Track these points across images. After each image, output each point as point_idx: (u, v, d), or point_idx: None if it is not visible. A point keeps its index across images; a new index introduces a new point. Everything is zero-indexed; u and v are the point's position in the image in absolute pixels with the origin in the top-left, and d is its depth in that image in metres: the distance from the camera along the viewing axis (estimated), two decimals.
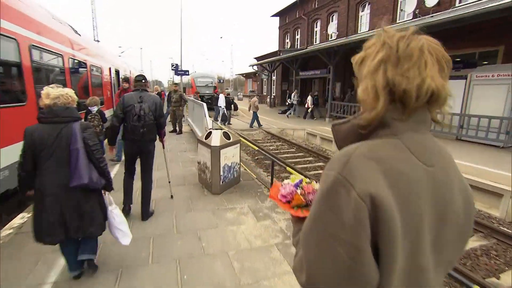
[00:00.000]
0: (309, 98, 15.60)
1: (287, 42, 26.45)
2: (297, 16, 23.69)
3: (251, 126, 13.99)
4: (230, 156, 4.72)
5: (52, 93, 2.16)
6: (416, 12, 12.44)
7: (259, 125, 13.96)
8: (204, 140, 4.62)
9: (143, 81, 3.63)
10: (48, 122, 2.14)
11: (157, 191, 4.45)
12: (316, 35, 22.22)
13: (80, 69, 7.21)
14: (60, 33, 5.89)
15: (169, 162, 5.05)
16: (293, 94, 17.64)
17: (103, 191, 2.43)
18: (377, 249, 0.59)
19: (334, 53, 13.67)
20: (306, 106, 15.67)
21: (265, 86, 28.24)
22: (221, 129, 4.82)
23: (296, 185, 0.96)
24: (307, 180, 0.99)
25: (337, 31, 18.97)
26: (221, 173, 4.52)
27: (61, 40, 5.79)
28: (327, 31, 19.89)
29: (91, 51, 8.39)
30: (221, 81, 32.26)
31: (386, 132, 0.67)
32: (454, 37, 10.38)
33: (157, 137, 3.75)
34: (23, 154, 2.13)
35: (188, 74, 16.98)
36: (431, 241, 0.65)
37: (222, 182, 4.59)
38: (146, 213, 3.61)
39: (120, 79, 12.54)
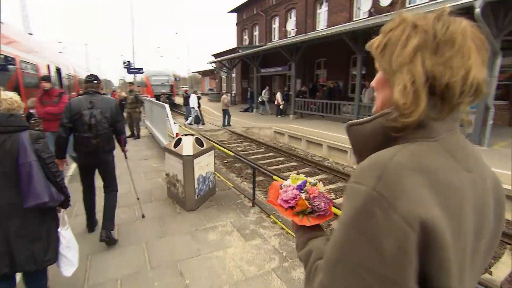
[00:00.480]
0: (279, 94, 15.16)
1: (245, 39, 26.02)
2: (254, 12, 23.35)
3: (224, 125, 13.49)
4: (205, 165, 4.13)
5: None
6: (372, 10, 12.86)
7: (228, 124, 13.47)
8: (173, 148, 3.96)
9: (95, 81, 3.08)
10: None
11: (120, 212, 3.69)
12: (274, 32, 22.12)
13: (7, 66, 5.94)
14: None
15: (126, 193, 4.20)
16: (263, 91, 17.09)
17: (57, 209, 2.05)
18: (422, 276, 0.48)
19: (296, 49, 13.58)
20: (276, 103, 15.27)
21: (224, 84, 27.51)
22: (192, 135, 4.20)
23: (300, 188, 0.84)
24: (311, 181, 0.87)
25: (295, 28, 19.05)
26: (196, 186, 3.92)
27: None
28: (285, 28, 19.88)
29: (22, 45, 7.05)
30: (178, 79, 30.77)
31: (420, 134, 0.56)
32: None
33: (115, 145, 3.23)
34: None
35: (142, 72, 15.66)
36: (470, 259, 0.56)
37: (197, 196, 3.99)
38: (107, 235, 2.96)
39: (62, 79, 10.93)
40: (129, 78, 17.58)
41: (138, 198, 3.80)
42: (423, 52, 0.55)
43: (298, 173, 1.00)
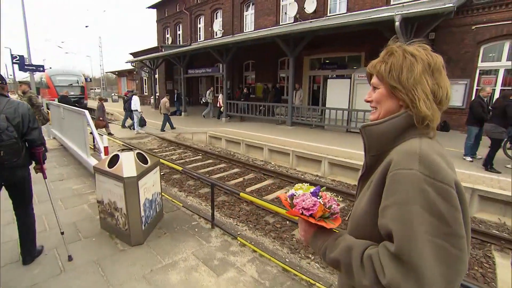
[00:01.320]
0: (221, 96, 14.36)
1: (168, 38, 24.43)
2: (177, 10, 22.09)
3: (162, 129, 12.20)
4: (150, 185, 3.38)
5: None
6: (297, 16, 13.45)
7: (172, 127, 12.27)
8: (107, 169, 3.10)
9: (1, 82, 2.53)
10: None
11: (33, 266, 2.67)
12: (200, 32, 21.32)
13: None
14: None
15: (44, 202, 3.31)
16: (208, 92, 15.80)
17: None
18: None
19: (226, 50, 13.22)
20: (218, 105, 14.47)
21: (146, 86, 25.25)
22: (129, 149, 3.39)
23: (315, 195, 0.88)
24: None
25: (222, 28, 18.70)
26: (142, 213, 3.15)
27: None
28: (212, 28, 19.33)
29: None
30: (89, 79, 26.92)
31: (425, 132, 0.80)
32: (327, 42, 11.75)
33: (30, 160, 2.67)
34: None
35: (43, 70, 12.96)
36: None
37: (144, 225, 3.22)
38: (32, 256, 2.70)
39: None
40: (21, 77, 14.34)
41: (62, 233, 2.88)
42: (425, 76, 0.80)
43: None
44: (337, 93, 10.26)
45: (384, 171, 0.76)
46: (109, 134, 11.43)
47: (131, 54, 23.79)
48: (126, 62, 21.20)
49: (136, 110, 12.08)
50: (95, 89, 42.50)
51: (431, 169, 0.67)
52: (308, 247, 2.51)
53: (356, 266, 0.73)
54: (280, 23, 14.83)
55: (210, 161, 8.54)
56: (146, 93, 24.65)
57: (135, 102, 11.97)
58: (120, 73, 35.14)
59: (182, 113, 16.44)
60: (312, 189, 0.89)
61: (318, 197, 0.87)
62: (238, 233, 3.54)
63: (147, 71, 21.75)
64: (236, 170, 7.67)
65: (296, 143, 8.38)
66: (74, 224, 3.55)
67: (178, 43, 22.77)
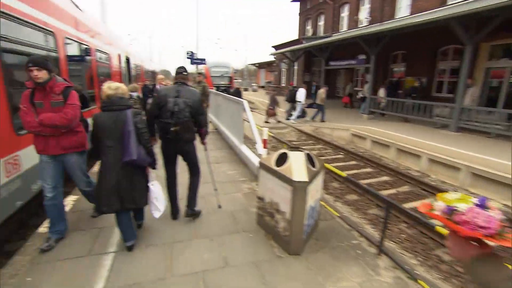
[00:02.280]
0: (382, 90, 12.36)
1: (308, 30, 24.32)
2: (321, 0, 21.49)
3: (313, 119, 12.38)
4: (315, 191, 2.99)
5: (113, 85, 2.69)
6: None
7: (323, 119, 12.08)
8: (275, 167, 2.88)
9: (184, 73, 3.24)
10: (107, 110, 2.61)
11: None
12: (342, 21, 20.08)
13: (84, 54, 5.52)
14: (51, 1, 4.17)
15: (203, 183, 3.74)
16: (366, 86, 13.39)
17: (147, 168, 2.82)
18: None
19: (377, 40, 11.68)
20: (377, 100, 12.53)
21: (284, 77, 26.21)
22: (297, 149, 3.08)
23: (482, 207, 0.72)
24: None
25: (369, 16, 16.88)
26: (305, 222, 2.80)
27: (51, 12, 4.07)
28: (357, 16, 17.78)
29: (98, 34, 6.68)
30: (235, 71, 30.40)
31: None
32: None
33: (196, 136, 3.32)
34: (91, 133, 2.68)
35: (205, 63, 15.18)
36: None
37: (305, 234, 2.87)
38: (193, 212, 3.37)
39: (131, 68, 10.82)
40: (190, 69, 17.26)
41: (215, 189, 3.90)
42: None
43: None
44: None
45: None
46: (278, 122, 12.70)
47: (273, 47, 25.09)
48: (270, 55, 22.47)
49: (300, 102, 12.50)
50: (236, 79, 47.99)
51: None
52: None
53: None
54: (447, 3, 11.92)
55: (353, 162, 7.71)
56: (284, 85, 25.60)
57: (301, 94, 12.36)
58: (260, 65, 38.07)
59: (363, 109, 15.94)
60: (475, 199, 0.75)
61: (486, 210, 0.71)
62: (415, 271, 2.73)
63: (287, 63, 22.40)
64: (385, 178, 6.57)
65: (471, 156, 6.40)
66: (231, 213, 3.62)
67: (318, 35, 22.32)
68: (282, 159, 2.90)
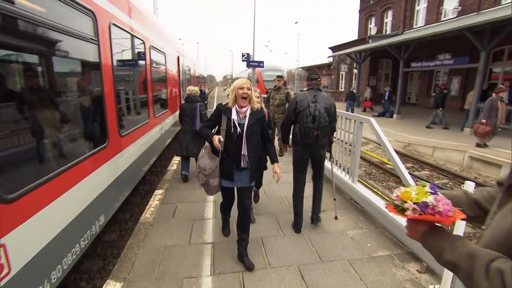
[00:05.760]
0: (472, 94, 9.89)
1: (371, 28, 21.82)
2: None
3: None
4: None
5: (191, 88, 5.04)
6: None
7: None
8: None
9: (318, 79, 3.31)
10: (187, 102, 4.85)
11: None
12: (418, 15, 17.35)
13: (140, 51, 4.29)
14: None
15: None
16: (470, 94, 10.39)
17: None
18: None
19: (492, 30, 9.08)
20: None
21: (343, 81, 23.88)
22: None
23: (436, 193, 0.86)
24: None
25: (459, 6, 14.05)
26: None
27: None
28: (442, 6, 15.01)
29: (155, 29, 5.57)
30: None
31: None
32: None
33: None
34: (179, 115, 5.01)
35: (263, 66, 13.79)
36: None
37: None
38: (317, 217, 3.48)
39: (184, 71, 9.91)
40: (239, 73, 15.94)
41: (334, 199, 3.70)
42: None
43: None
44: None
45: None
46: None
47: (330, 48, 22.94)
48: (328, 57, 20.41)
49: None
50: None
51: None
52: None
53: (479, 275, 0.68)
54: None
55: None
56: (343, 89, 23.28)
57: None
58: (309, 69, 35.93)
59: (394, 115, 13.60)
60: (427, 188, 0.87)
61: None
62: None
63: (348, 64, 20.15)
64: None
65: None
66: None
67: (384, 33, 19.74)
68: None
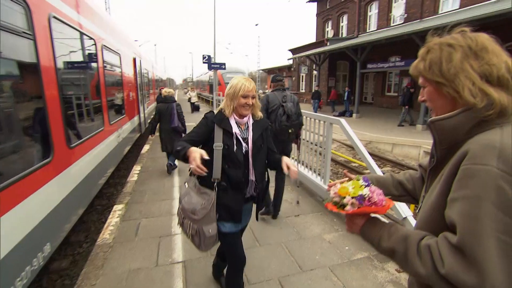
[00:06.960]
0: None
1: (328, 31, 22.69)
2: None
3: None
4: None
5: (166, 90, 5.57)
6: None
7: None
8: None
9: (282, 80, 3.54)
10: (164, 102, 5.33)
11: None
12: (370, 20, 18.42)
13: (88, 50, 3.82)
14: None
15: None
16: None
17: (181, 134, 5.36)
18: None
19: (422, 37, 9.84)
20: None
21: (303, 82, 24.47)
22: None
23: (369, 185, 0.89)
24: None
25: (405, 13, 15.18)
26: None
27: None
28: (391, 13, 16.09)
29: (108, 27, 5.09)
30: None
31: (503, 119, 0.71)
32: None
33: None
34: (155, 114, 5.48)
35: (225, 68, 13.56)
36: None
37: None
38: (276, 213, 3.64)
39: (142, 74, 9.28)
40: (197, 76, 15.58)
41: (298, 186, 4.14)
42: (468, 60, 0.73)
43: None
44: None
45: (457, 163, 0.71)
46: None
47: (290, 50, 23.41)
48: (288, 59, 20.81)
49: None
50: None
51: (511, 165, 0.62)
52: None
53: (412, 254, 0.73)
54: None
55: None
56: (303, 91, 23.85)
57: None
58: (270, 71, 36.41)
59: (354, 114, 14.20)
60: (362, 181, 0.90)
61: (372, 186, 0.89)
62: None
63: (308, 66, 20.68)
64: None
65: None
66: None
67: (340, 36, 20.66)
68: None
